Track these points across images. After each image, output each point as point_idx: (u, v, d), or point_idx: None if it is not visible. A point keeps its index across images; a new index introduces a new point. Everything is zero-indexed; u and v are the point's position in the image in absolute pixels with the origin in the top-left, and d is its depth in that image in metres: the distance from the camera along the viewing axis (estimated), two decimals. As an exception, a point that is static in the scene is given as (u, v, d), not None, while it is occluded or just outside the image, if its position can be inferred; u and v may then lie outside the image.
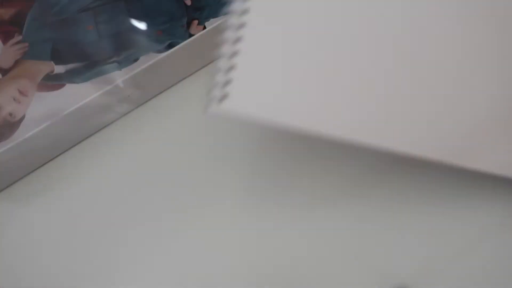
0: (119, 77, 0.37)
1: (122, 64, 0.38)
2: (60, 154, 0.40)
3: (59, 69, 0.38)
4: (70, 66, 0.38)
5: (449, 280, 0.37)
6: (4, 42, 0.38)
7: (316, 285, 0.37)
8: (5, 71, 0.38)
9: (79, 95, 0.36)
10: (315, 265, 0.37)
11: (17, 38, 0.39)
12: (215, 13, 0.39)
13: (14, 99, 0.37)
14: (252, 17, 0.24)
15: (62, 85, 0.37)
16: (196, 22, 0.39)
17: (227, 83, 0.24)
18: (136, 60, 0.38)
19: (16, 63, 0.38)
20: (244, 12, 0.24)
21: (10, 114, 0.36)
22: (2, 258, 0.38)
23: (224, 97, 0.24)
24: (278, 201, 0.38)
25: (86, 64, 0.38)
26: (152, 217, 0.38)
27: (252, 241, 0.37)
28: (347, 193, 0.38)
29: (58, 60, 0.38)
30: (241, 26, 0.24)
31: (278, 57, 0.25)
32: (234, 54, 0.24)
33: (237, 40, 0.24)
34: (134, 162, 0.39)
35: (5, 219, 0.39)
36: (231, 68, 0.24)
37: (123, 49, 0.38)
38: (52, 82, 0.37)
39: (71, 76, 0.37)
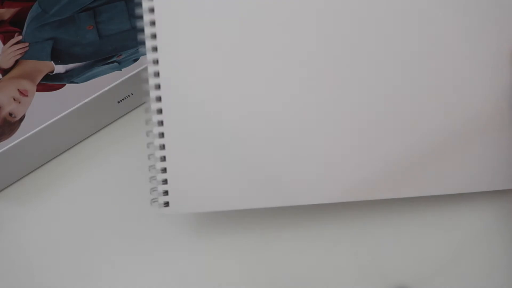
0: (119, 77, 0.37)
1: (122, 64, 0.38)
2: (60, 154, 0.40)
3: (59, 69, 0.38)
4: (70, 66, 0.38)
5: (449, 280, 0.37)
6: (4, 42, 0.38)
7: (317, 285, 0.37)
8: (5, 71, 0.38)
9: (79, 95, 0.36)
10: (316, 265, 0.37)
11: (17, 38, 0.39)
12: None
13: (14, 99, 0.37)
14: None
15: (62, 85, 0.37)
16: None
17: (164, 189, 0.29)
18: (136, 60, 0.38)
19: (16, 63, 0.38)
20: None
21: (10, 114, 0.36)
22: (1, 258, 0.38)
23: (166, 203, 0.29)
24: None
25: (86, 64, 0.38)
26: (152, 217, 0.38)
27: (256, 247, 0.37)
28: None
29: (58, 60, 0.38)
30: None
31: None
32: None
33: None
34: (135, 161, 0.39)
35: (5, 219, 0.39)
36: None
37: (123, 49, 0.38)
38: (52, 82, 0.37)
39: (71, 76, 0.37)
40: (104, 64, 0.38)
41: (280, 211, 0.38)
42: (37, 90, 0.37)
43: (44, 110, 0.36)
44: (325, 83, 0.28)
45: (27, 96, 0.37)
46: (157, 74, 0.27)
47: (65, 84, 0.37)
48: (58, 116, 0.36)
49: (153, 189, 0.29)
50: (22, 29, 0.39)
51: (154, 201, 0.29)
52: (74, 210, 0.38)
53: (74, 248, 0.37)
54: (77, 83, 0.37)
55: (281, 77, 0.27)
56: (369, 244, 0.38)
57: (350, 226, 0.38)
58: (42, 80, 0.37)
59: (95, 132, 0.41)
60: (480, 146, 0.30)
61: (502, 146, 0.30)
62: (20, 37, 0.38)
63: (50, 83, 0.37)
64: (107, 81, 0.37)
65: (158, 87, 0.27)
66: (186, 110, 0.27)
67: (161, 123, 0.28)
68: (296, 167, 0.28)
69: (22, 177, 0.40)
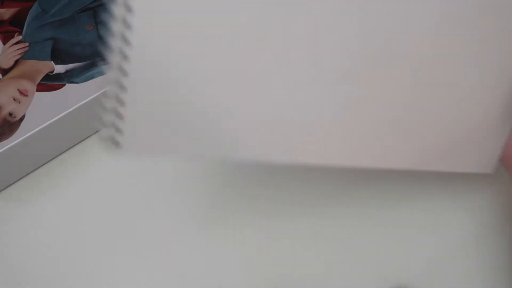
0: (119, 77, 0.37)
1: (122, 64, 0.38)
2: (60, 154, 0.40)
3: (59, 69, 0.38)
4: (70, 66, 0.38)
5: (449, 280, 0.37)
6: (4, 42, 0.38)
7: (317, 285, 0.37)
8: (5, 71, 0.38)
9: (79, 95, 0.36)
10: (316, 265, 0.37)
11: (17, 38, 0.39)
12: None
13: (14, 99, 0.37)
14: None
15: (62, 85, 0.37)
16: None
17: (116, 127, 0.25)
18: (136, 60, 0.38)
19: (16, 63, 0.38)
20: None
21: (10, 114, 0.36)
22: (1, 258, 0.38)
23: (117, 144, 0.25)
24: (273, 205, 0.38)
25: (86, 64, 0.38)
26: (152, 218, 0.38)
27: (255, 246, 0.37)
28: (347, 193, 0.38)
29: (58, 60, 0.38)
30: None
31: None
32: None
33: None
34: (136, 162, 0.39)
35: (5, 219, 0.39)
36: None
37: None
38: (52, 82, 0.37)
39: (71, 76, 0.37)
40: (104, 64, 0.38)
41: (280, 210, 0.38)
42: (37, 90, 0.37)
43: (44, 110, 0.36)
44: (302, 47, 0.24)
45: (27, 96, 0.37)
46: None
47: (65, 84, 0.37)
48: (58, 116, 0.36)
49: (104, 123, 0.25)
50: (22, 29, 0.39)
51: (104, 139, 0.25)
52: (74, 210, 0.38)
53: (74, 248, 0.37)
54: (77, 83, 0.37)
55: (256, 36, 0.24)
56: (369, 243, 0.38)
57: (350, 226, 0.38)
58: (42, 80, 0.37)
59: (95, 132, 0.41)
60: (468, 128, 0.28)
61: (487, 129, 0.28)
62: (20, 37, 0.38)
63: (50, 83, 0.37)
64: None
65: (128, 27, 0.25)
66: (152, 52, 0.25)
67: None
68: (260, 121, 0.25)
69: (22, 177, 0.40)
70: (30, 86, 0.37)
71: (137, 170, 0.39)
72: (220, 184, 0.38)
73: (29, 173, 0.40)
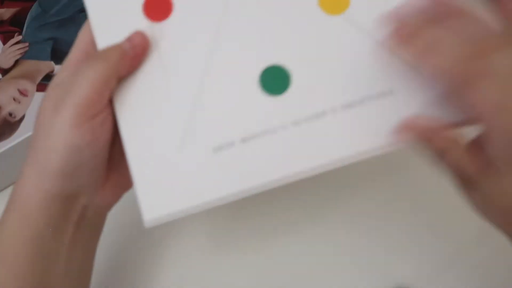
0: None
1: (122, 64, 0.38)
2: (60, 154, 0.40)
3: (59, 69, 0.38)
4: (70, 66, 0.38)
5: (449, 280, 0.37)
6: (4, 42, 0.38)
7: (317, 285, 0.37)
8: (5, 71, 0.38)
9: (79, 95, 0.36)
10: (316, 266, 0.37)
11: (17, 38, 0.39)
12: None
13: (14, 99, 0.37)
14: None
15: (62, 85, 0.37)
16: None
17: None
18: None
19: (16, 63, 0.38)
20: None
21: (10, 114, 0.36)
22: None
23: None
24: (275, 213, 0.38)
25: (86, 64, 0.38)
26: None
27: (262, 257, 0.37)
28: (347, 193, 0.38)
29: (58, 60, 0.38)
30: None
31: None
32: None
33: None
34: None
35: (5, 219, 0.39)
36: None
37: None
38: (52, 82, 0.37)
39: (71, 76, 0.37)
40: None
41: (277, 215, 0.38)
42: (37, 90, 0.37)
43: (44, 110, 0.36)
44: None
45: (27, 96, 0.37)
46: None
47: (65, 84, 0.37)
48: (58, 116, 0.36)
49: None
50: (22, 29, 0.39)
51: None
52: (74, 210, 0.38)
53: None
54: (77, 83, 0.37)
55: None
56: (369, 243, 0.38)
57: (350, 227, 0.38)
58: (42, 80, 0.37)
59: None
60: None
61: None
62: (20, 37, 0.39)
63: (50, 83, 0.37)
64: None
65: None
66: None
67: None
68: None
69: (22, 177, 0.40)
70: (30, 86, 0.37)
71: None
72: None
73: (29, 173, 0.40)
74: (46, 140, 0.25)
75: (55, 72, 0.38)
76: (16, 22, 0.39)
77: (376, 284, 0.37)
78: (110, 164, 0.27)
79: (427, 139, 0.24)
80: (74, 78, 0.25)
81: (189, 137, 0.26)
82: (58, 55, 0.38)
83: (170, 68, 0.27)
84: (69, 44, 0.39)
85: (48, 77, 0.37)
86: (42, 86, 0.37)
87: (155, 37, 0.27)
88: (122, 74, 0.26)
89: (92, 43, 0.28)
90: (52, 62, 0.38)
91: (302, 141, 0.26)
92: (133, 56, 0.26)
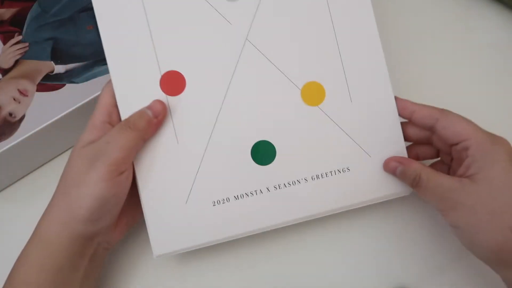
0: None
1: (122, 64, 0.38)
2: (60, 154, 0.40)
3: (59, 69, 0.38)
4: (70, 66, 0.38)
5: (449, 280, 0.37)
6: (4, 42, 0.38)
7: (317, 285, 0.37)
8: (5, 71, 0.38)
9: (79, 95, 0.36)
10: (316, 265, 0.37)
11: (17, 38, 0.39)
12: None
13: (14, 99, 0.37)
14: None
15: (62, 85, 0.37)
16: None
17: None
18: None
19: (16, 63, 0.38)
20: None
21: (10, 114, 0.36)
22: (2, 258, 0.38)
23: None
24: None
25: (86, 64, 0.38)
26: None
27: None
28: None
29: (58, 60, 0.38)
30: None
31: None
32: None
33: None
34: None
35: (5, 219, 0.39)
36: None
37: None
38: (52, 82, 0.37)
39: (71, 76, 0.37)
40: (104, 64, 0.38)
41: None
42: (37, 90, 0.37)
43: (44, 110, 0.36)
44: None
45: (27, 96, 0.37)
46: None
47: (65, 84, 0.37)
48: (58, 116, 0.36)
49: None
50: (22, 29, 0.39)
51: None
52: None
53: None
54: (77, 83, 0.37)
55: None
56: (369, 244, 0.38)
57: (350, 227, 0.38)
58: (42, 80, 0.37)
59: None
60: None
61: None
62: (20, 37, 0.38)
63: (50, 83, 0.37)
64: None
65: None
66: None
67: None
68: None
69: (22, 177, 0.40)
70: (30, 86, 0.37)
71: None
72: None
73: (29, 173, 0.40)
74: (79, 189, 0.30)
75: (55, 72, 0.38)
76: (16, 22, 0.39)
77: (376, 284, 0.37)
78: (122, 208, 0.32)
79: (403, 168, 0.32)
80: (107, 144, 0.30)
81: (194, 193, 0.34)
82: (58, 55, 0.38)
83: (181, 137, 0.34)
84: (69, 44, 0.39)
85: (48, 77, 0.38)
86: (42, 86, 0.37)
87: (170, 108, 0.34)
88: (147, 138, 0.33)
89: (113, 105, 0.33)
90: (52, 62, 0.38)
91: (281, 201, 0.34)
92: (156, 122, 0.32)
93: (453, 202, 0.30)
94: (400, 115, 0.34)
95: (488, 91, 0.41)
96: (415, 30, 0.43)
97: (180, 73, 0.34)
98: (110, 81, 0.33)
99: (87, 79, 0.37)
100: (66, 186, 0.31)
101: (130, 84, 0.33)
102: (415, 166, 0.32)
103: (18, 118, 0.36)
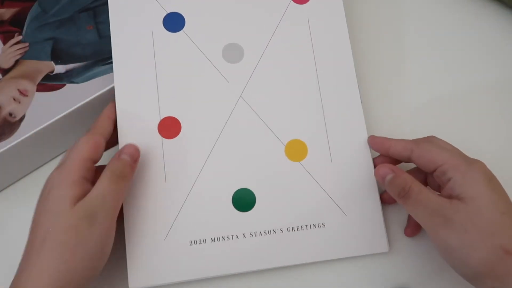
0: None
1: (122, 64, 0.38)
2: (60, 154, 0.40)
3: (59, 69, 0.38)
4: (70, 66, 0.38)
5: (449, 280, 0.37)
6: (4, 42, 0.38)
7: (317, 285, 0.37)
8: (5, 71, 0.38)
9: (79, 95, 0.36)
10: (316, 265, 0.37)
11: (17, 38, 0.39)
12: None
13: (14, 99, 0.37)
14: None
15: (62, 85, 0.37)
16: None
17: None
18: (136, 60, 0.38)
19: (16, 63, 0.38)
20: None
21: (10, 114, 0.36)
22: (2, 258, 0.38)
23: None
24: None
25: (86, 64, 0.38)
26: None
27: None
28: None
29: (58, 60, 0.38)
30: None
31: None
32: None
33: None
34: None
35: (5, 219, 0.39)
36: None
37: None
38: (52, 82, 0.37)
39: (71, 76, 0.37)
40: (104, 64, 0.38)
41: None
42: (37, 90, 0.37)
43: (44, 110, 0.36)
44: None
45: (27, 96, 0.37)
46: None
47: (65, 84, 0.37)
48: (58, 116, 0.36)
49: None
50: (22, 29, 0.39)
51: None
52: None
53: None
54: (77, 83, 0.37)
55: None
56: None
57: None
58: (42, 80, 0.37)
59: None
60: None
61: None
62: (20, 37, 0.39)
63: (50, 83, 0.37)
64: (107, 81, 0.37)
65: None
66: None
67: None
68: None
69: (22, 177, 0.40)
70: (30, 86, 0.37)
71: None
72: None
73: (29, 173, 0.40)
74: (83, 247, 0.30)
75: (55, 72, 0.38)
76: (16, 22, 0.39)
77: (376, 284, 0.37)
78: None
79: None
80: (103, 198, 0.31)
81: (173, 231, 0.35)
82: (58, 55, 0.38)
83: (169, 176, 0.36)
84: (69, 44, 0.39)
85: (48, 77, 0.38)
86: (42, 86, 0.37)
87: (164, 150, 0.36)
88: (129, 178, 0.33)
89: (91, 160, 0.33)
90: (52, 62, 0.38)
91: (256, 248, 0.35)
92: (135, 166, 0.34)
93: (444, 218, 0.30)
94: (377, 151, 0.36)
95: (488, 91, 0.41)
96: (411, 35, 0.43)
97: (177, 119, 0.37)
98: (86, 134, 0.33)
99: (87, 79, 0.37)
100: (62, 244, 0.29)
101: (132, 124, 0.36)
102: (406, 177, 0.32)
103: (18, 118, 0.36)
